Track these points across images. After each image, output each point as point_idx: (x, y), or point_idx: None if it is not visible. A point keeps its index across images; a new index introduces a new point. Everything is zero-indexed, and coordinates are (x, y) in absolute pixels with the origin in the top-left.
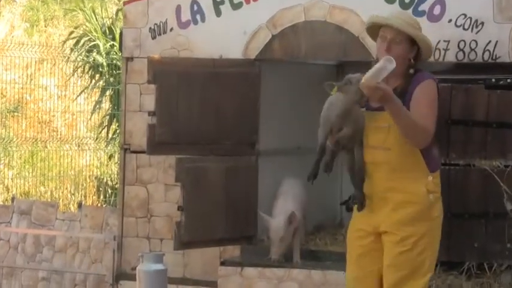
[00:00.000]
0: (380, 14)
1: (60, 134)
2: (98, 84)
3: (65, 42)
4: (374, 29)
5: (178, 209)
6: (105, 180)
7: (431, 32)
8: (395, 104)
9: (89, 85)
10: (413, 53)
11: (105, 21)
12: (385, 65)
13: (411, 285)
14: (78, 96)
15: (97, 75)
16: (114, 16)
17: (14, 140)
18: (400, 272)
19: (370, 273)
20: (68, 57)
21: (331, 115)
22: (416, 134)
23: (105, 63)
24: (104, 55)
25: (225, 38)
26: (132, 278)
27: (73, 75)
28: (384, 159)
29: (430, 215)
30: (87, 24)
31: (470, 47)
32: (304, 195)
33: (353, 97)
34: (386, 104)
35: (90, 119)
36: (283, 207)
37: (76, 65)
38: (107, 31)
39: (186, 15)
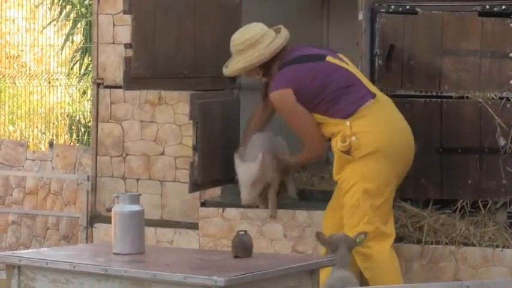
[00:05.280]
0: None
1: (30, 70)
2: (69, 16)
3: None
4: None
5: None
6: (77, 117)
7: None
8: (294, 162)
9: (59, 16)
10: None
11: None
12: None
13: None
14: (45, 27)
15: (68, 6)
16: None
17: None
18: (344, 219)
19: None
20: None
21: None
22: (313, 152)
23: None
24: None
25: None
26: (107, 220)
27: (41, 4)
28: None
29: (355, 156)
30: None
31: None
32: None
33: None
34: (295, 167)
35: (61, 53)
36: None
37: None
38: None
39: None
